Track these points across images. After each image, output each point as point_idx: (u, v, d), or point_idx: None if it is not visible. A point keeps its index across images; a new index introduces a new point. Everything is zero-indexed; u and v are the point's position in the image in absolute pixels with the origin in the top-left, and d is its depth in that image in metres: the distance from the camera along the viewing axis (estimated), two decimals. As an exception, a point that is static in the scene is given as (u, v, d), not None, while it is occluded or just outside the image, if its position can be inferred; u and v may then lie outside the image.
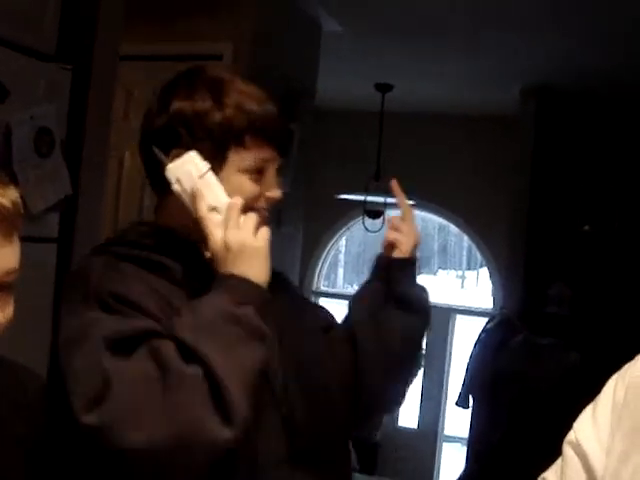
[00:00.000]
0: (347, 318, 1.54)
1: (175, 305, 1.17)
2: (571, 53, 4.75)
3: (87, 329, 1.10)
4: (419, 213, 6.80)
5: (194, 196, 1.21)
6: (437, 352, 6.97)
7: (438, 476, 6.92)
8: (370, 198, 5.89)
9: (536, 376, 4.61)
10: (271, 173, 1.30)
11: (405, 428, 6.49)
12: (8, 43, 2.20)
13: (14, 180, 1.16)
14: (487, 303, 7.15)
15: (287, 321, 1.32)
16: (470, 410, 5.41)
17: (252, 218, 1.20)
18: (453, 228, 7.43)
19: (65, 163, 2.36)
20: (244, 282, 1.14)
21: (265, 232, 1.20)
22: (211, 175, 1.23)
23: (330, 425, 1.34)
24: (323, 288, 7.56)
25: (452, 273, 18.05)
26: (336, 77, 5.26)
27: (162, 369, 1.03)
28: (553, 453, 1.09)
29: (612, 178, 5.68)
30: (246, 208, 1.22)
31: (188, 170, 1.22)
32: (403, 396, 1.58)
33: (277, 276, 1.35)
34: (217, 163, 1.24)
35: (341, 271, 12.11)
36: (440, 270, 16.93)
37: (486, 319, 5.69)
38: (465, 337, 6.60)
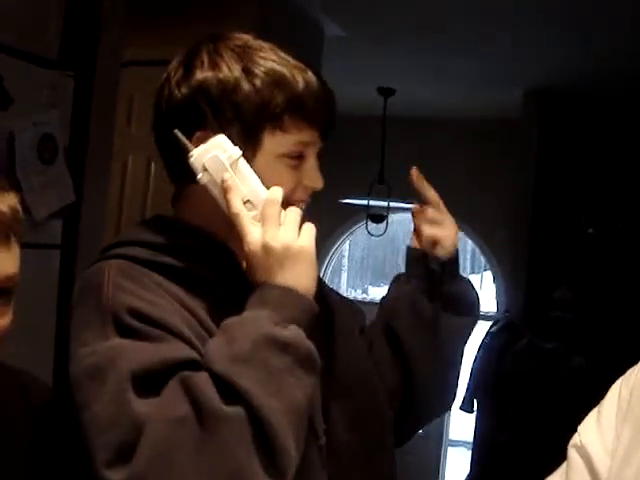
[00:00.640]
0: (383, 320, 1.34)
1: (207, 324, 1.00)
2: (573, 55, 4.75)
3: (106, 363, 0.90)
4: (422, 217, 6.76)
5: (225, 188, 1.01)
6: (441, 356, 6.96)
7: (443, 480, 6.92)
8: (373, 202, 5.89)
9: (540, 380, 4.60)
10: (311, 159, 1.10)
11: (410, 432, 6.44)
12: (11, 50, 2.21)
13: (17, 187, 1.17)
14: (491, 307, 7.13)
15: (320, 328, 1.09)
16: (474, 414, 5.41)
17: (295, 213, 1.00)
18: (456, 232, 7.41)
19: (68, 170, 2.37)
20: (289, 295, 0.95)
21: (310, 230, 1.00)
22: (244, 163, 1.04)
23: (377, 441, 1.21)
24: (327, 292, 7.55)
25: (456, 277, 17.99)
26: (338, 81, 5.23)
27: (198, 411, 0.85)
28: (558, 457, 1.09)
29: (616, 180, 5.67)
30: (285, 202, 1.02)
31: (217, 157, 1.02)
32: (454, 400, 1.44)
33: None
34: (250, 148, 1.05)
35: (344, 275, 12.08)
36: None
37: (490, 323, 5.68)
38: (469, 341, 6.58)
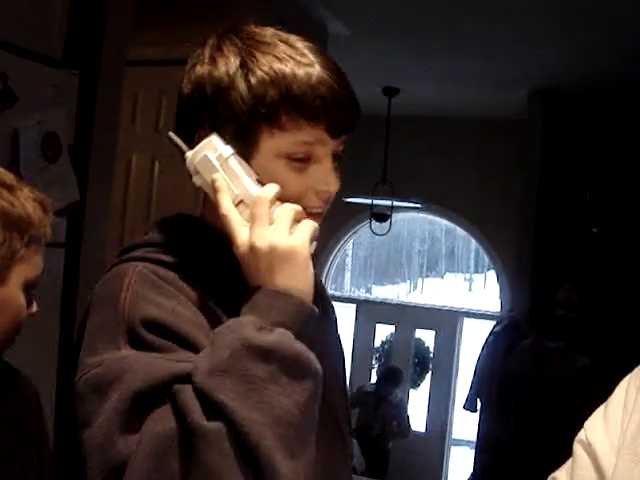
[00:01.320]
0: None
1: None
2: (578, 55, 4.74)
3: (111, 376, 0.87)
4: (426, 216, 6.79)
5: (215, 189, 0.97)
6: (445, 355, 6.98)
7: (446, 479, 6.92)
8: (377, 201, 5.90)
9: (545, 379, 4.59)
10: (324, 160, 1.01)
11: (413, 432, 6.50)
12: (16, 49, 2.21)
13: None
14: (495, 306, 7.13)
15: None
16: (478, 413, 5.41)
17: (288, 211, 0.93)
18: (460, 231, 7.43)
19: (72, 168, 2.37)
20: (276, 297, 0.89)
21: (305, 228, 0.93)
22: (236, 161, 0.99)
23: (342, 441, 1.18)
24: (330, 292, 7.56)
25: (459, 276, 18.03)
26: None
27: (182, 427, 0.81)
28: (562, 456, 1.09)
29: (620, 180, 5.66)
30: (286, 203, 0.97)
31: (206, 157, 0.99)
32: None
33: None
34: (247, 148, 0.99)
35: (348, 275, 12.10)
36: (447, 273, 16.91)
37: (494, 322, 5.69)
38: (473, 340, 6.59)
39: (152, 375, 0.85)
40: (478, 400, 5.35)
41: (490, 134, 6.32)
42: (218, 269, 1.01)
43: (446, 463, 6.89)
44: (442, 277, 16.07)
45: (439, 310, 7.16)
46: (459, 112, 6.23)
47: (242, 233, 0.93)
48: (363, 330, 7.33)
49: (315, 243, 0.97)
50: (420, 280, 14.76)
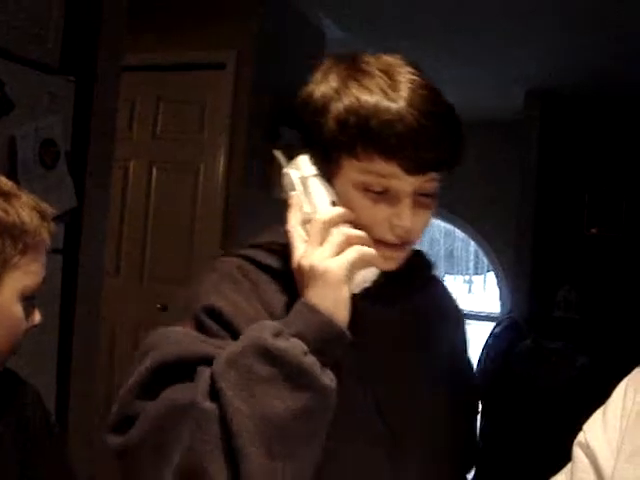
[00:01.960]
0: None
1: None
2: (575, 57, 4.75)
3: (155, 343, 0.97)
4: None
5: (288, 205, 1.02)
6: (445, 357, 6.97)
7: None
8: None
9: (545, 380, 4.59)
10: (399, 195, 0.99)
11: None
12: (13, 56, 2.21)
13: (18, 192, 1.18)
14: (494, 308, 7.14)
15: (393, 360, 1.08)
16: (479, 415, 5.40)
17: (338, 235, 0.96)
18: (459, 233, 7.44)
19: (70, 174, 2.37)
20: (302, 310, 0.93)
21: (350, 254, 0.95)
22: (316, 182, 1.02)
23: None
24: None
25: (459, 278, 18.05)
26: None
27: (190, 402, 0.89)
28: (562, 457, 1.09)
29: (618, 180, 5.67)
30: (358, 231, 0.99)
31: (290, 175, 1.04)
32: None
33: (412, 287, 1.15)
34: (329, 172, 1.02)
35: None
36: (447, 275, 16.95)
37: (494, 324, 5.68)
38: (473, 342, 6.59)
39: (184, 350, 0.94)
40: (479, 402, 5.34)
41: (488, 135, 6.33)
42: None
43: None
44: (442, 279, 16.05)
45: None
46: (457, 113, 6.24)
47: (298, 250, 0.98)
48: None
49: (371, 271, 1.00)
50: (420, 282, 14.74)
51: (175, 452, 0.88)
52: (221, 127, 3.78)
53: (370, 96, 0.97)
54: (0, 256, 1.09)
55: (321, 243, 0.96)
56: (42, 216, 1.17)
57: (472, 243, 7.45)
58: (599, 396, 1.08)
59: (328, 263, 0.94)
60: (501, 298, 6.72)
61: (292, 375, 0.88)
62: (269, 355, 0.88)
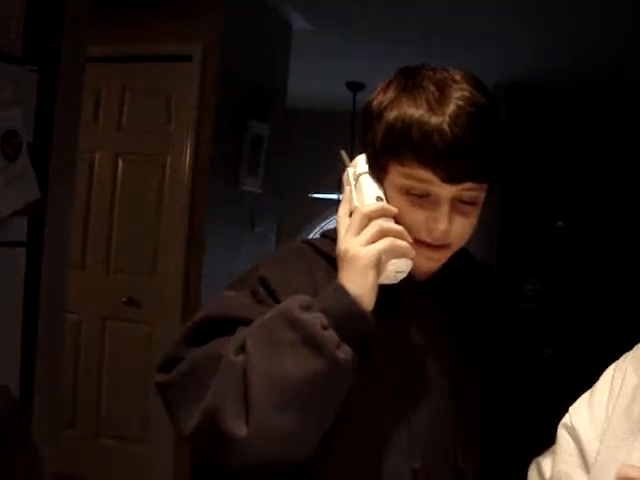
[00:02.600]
0: None
1: None
2: (541, 50, 4.79)
3: (207, 304, 1.14)
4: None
5: (342, 198, 1.15)
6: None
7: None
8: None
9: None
10: (439, 200, 1.08)
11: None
12: (-27, 46, 2.17)
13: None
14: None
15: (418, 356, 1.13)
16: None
17: (375, 225, 1.06)
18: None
19: (32, 166, 2.33)
20: (335, 290, 1.04)
21: (381, 244, 1.05)
22: (366, 179, 1.14)
23: None
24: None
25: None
26: (307, 76, 5.25)
27: (222, 352, 1.03)
28: (531, 445, 1.10)
29: (584, 173, 5.73)
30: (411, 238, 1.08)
31: (348, 173, 1.17)
32: None
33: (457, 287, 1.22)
34: (377, 173, 1.13)
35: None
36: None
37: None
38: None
39: (227, 310, 1.09)
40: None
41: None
42: None
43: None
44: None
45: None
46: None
47: (341, 238, 1.09)
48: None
49: (405, 263, 1.07)
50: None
51: (204, 395, 1.00)
52: (188, 119, 3.75)
53: (416, 109, 1.06)
54: None
55: (359, 232, 1.06)
56: None
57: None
58: (564, 386, 1.09)
59: (359, 249, 1.04)
60: (468, 290, 6.76)
61: (309, 343, 0.98)
62: (292, 323, 1.00)
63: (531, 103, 5.74)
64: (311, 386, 0.98)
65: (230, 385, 0.99)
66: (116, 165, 3.92)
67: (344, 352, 0.99)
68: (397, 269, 1.07)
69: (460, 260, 1.23)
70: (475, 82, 1.14)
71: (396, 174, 1.08)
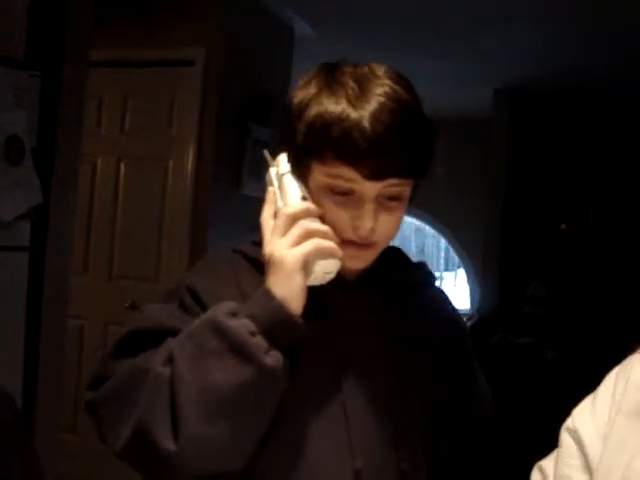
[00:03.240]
0: None
1: None
2: (542, 54, 4.79)
3: (133, 317, 1.13)
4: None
5: (265, 199, 1.11)
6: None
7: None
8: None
9: (514, 375, 4.63)
10: (362, 198, 1.05)
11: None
12: (-24, 51, 2.18)
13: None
14: (465, 304, 7.17)
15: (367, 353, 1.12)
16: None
17: (299, 227, 1.03)
18: (430, 230, 7.47)
19: (36, 171, 2.34)
20: (261, 295, 1.01)
21: (307, 246, 1.02)
22: (290, 179, 1.10)
23: None
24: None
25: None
26: (309, 81, 5.25)
27: (149, 366, 1.00)
28: (533, 449, 1.10)
29: (586, 176, 5.72)
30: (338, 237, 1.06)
31: (270, 173, 1.13)
32: None
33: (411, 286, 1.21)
34: (300, 172, 1.10)
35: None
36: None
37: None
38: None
39: (154, 322, 1.07)
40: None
41: (456, 133, 6.36)
42: None
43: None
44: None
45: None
46: (425, 111, 6.26)
47: (266, 241, 1.06)
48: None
49: (333, 263, 1.05)
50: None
51: (132, 410, 0.98)
52: (190, 124, 3.76)
53: (336, 105, 1.03)
54: None
55: (284, 234, 1.03)
56: None
57: (442, 240, 7.47)
58: (567, 390, 1.09)
59: (285, 253, 1.02)
60: (471, 294, 6.75)
61: (236, 351, 0.96)
62: (218, 331, 0.97)
63: (532, 107, 5.74)
64: (240, 395, 0.96)
65: (158, 398, 0.96)
66: (119, 170, 3.93)
67: (273, 358, 0.97)
68: (325, 270, 1.05)
69: (391, 257, 1.21)
70: (397, 77, 1.10)
71: (319, 173, 1.06)
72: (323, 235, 1.04)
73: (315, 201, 1.07)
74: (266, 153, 1.15)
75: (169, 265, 3.77)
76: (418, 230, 14.55)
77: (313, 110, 1.05)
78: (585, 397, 1.04)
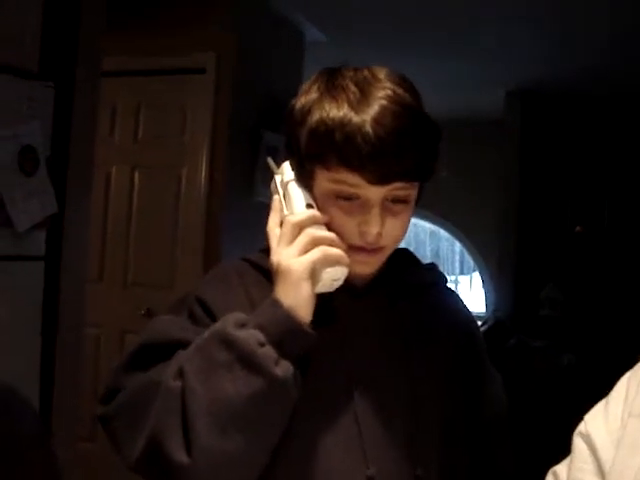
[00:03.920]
0: None
1: None
2: (556, 56, 4.77)
3: (149, 328, 1.10)
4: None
5: (270, 208, 1.10)
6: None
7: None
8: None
9: (530, 378, 4.60)
10: (368, 202, 1.04)
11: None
12: (-11, 62, 2.19)
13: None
14: (480, 307, 7.15)
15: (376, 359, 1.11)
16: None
17: (306, 235, 1.03)
18: (444, 233, 7.45)
19: (50, 181, 2.35)
20: (269, 305, 1.00)
21: (314, 254, 1.02)
22: (295, 186, 1.09)
23: None
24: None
25: (445, 278, 17.99)
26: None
27: (160, 379, 1.00)
28: (548, 453, 1.09)
29: (600, 178, 5.70)
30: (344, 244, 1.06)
31: (275, 181, 1.12)
32: None
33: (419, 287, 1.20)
34: (305, 179, 1.09)
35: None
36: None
37: (479, 323, 5.69)
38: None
39: (164, 335, 1.06)
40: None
41: (470, 135, 6.35)
42: None
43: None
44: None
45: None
46: (438, 114, 6.17)
47: (273, 249, 1.06)
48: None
49: (340, 270, 1.04)
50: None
51: (145, 424, 0.97)
52: (203, 131, 3.77)
53: (338, 110, 1.02)
54: None
55: (291, 243, 1.03)
56: None
57: (457, 243, 7.46)
58: (584, 393, 1.08)
59: (292, 262, 1.01)
60: (487, 298, 6.73)
61: (245, 362, 0.95)
62: (227, 342, 0.96)
63: (546, 109, 5.72)
64: (251, 406, 0.95)
65: (170, 412, 0.96)
66: (132, 178, 3.94)
67: (283, 368, 0.96)
68: (332, 277, 1.04)
69: (400, 259, 1.20)
70: (399, 80, 1.09)
71: (323, 179, 1.05)
72: (330, 242, 1.03)
73: (320, 208, 1.06)
74: (270, 161, 1.15)
75: (184, 272, 3.78)
76: (432, 234, 14.52)
77: (315, 116, 1.04)
78: (599, 401, 1.04)
